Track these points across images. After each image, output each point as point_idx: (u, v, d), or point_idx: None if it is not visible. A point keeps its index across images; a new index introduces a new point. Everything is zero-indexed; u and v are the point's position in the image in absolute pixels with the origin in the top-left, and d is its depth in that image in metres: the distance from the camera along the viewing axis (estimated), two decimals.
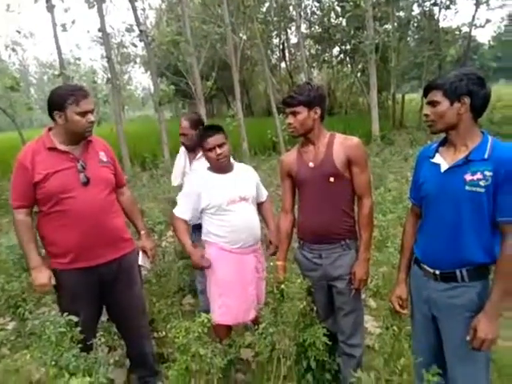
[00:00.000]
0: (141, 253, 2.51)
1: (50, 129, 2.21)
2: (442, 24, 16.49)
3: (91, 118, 2.16)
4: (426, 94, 1.75)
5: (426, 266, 1.81)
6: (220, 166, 2.51)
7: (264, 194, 2.78)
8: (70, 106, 2.08)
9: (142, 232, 2.55)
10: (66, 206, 2.11)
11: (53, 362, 1.71)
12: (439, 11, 16.20)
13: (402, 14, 16.34)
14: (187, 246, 2.49)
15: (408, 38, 17.70)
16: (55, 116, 2.12)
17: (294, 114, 2.09)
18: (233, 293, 2.50)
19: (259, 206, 2.74)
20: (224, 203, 2.45)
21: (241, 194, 2.50)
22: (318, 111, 2.09)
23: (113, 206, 2.31)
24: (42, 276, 2.13)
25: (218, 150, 2.44)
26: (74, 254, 2.16)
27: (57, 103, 2.10)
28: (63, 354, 1.73)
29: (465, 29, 16.23)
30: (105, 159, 2.31)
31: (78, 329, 1.83)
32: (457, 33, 16.33)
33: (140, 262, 2.49)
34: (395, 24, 15.43)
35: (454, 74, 1.66)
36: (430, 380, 1.61)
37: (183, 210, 2.53)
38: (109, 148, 2.40)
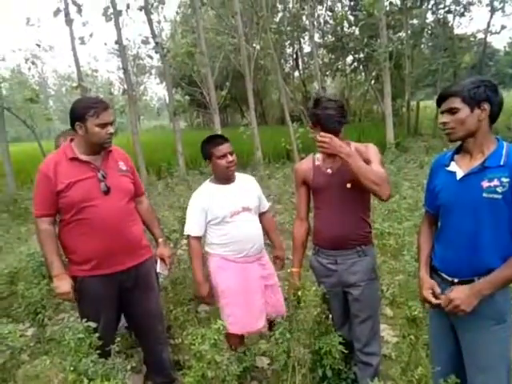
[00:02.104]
0: (159, 260, 2.55)
1: (71, 139, 2.27)
2: (456, 31, 16.41)
3: (110, 129, 2.21)
4: (439, 103, 1.75)
5: (443, 274, 1.79)
6: (228, 175, 2.54)
7: (266, 205, 2.78)
8: (91, 117, 2.13)
9: (160, 240, 2.59)
10: (87, 215, 2.16)
11: (72, 368, 1.74)
12: (453, 18, 16.13)
13: (415, 21, 16.28)
14: (198, 275, 2.53)
15: (422, 46, 17.61)
16: (76, 127, 2.18)
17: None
18: (239, 302, 2.50)
19: (261, 217, 2.73)
20: (228, 215, 2.48)
21: (243, 204, 2.52)
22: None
23: (132, 215, 2.35)
24: (64, 284, 2.17)
25: (230, 158, 2.48)
26: (95, 261, 2.20)
27: (78, 115, 2.16)
28: (82, 360, 1.75)
29: (480, 35, 16.11)
30: (124, 168, 2.36)
31: (97, 335, 1.86)
32: (472, 39, 16.21)
33: (158, 270, 2.53)
34: (409, 32, 15.37)
35: (470, 80, 1.66)
36: None
37: (195, 228, 2.54)
38: (128, 157, 2.45)
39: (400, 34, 16.14)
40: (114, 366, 1.84)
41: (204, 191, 2.57)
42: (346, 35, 16.99)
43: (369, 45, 14.21)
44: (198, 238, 2.57)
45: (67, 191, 2.13)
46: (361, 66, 20.12)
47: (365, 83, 20.20)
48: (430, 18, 16.43)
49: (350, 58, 20.27)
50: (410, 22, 15.90)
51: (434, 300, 1.76)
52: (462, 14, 16.07)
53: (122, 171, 2.34)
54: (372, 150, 2.12)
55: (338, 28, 17.53)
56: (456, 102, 1.66)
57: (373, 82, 18.81)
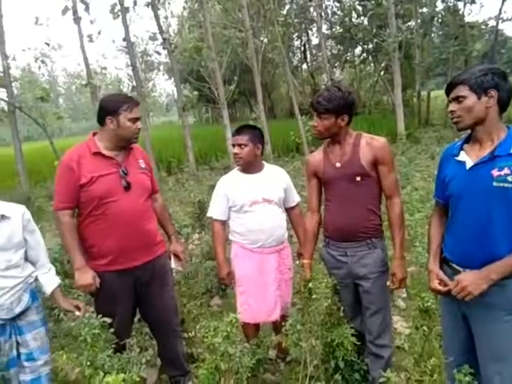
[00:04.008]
0: (172, 256, 2.58)
1: (94, 133, 2.29)
2: (467, 19, 16.11)
3: (139, 125, 2.26)
4: (448, 92, 1.74)
5: (455, 265, 1.78)
6: (238, 164, 2.59)
7: (294, 200, 2.71)
8: (124, 111, 2.17)
9: (173, 237, 2.62)
10: (106, 210, 2.18)
11: (88, 363, 1.77)
12: (464, 6, 15.84)
13: (425, 10, 16.04)
14: (220, 258, 2.60)
15: (432, 35, 17.35)
16: (107, 121, 2.19)
17: (321, 118, 2.10)
18: (253, 291, 2.54)
19: (288, 212, 2.73)
20: (247, 203, 2.50)
21: (264, 195, 2.52)
22: (346, 118, 2.10)
23: (149, 211, 2.39)
24: (87, 277, 2.19)
25: (234, 150, 2.54)
26: (112, 256, 2.22)
27: (111, 108, 2.19)
28: (98, 355, 1.78)
29: (491, 23, 15.82)
30: (143, 166, 2.39)
31: (112, 330, 1.89)
32: (483, 27, 15.92)
33: (172, 266, 2.56)
34: (419, 21, 15.16)
35: (478, 68, 1.66)
36: (461, 380, 1.58)
37: (216, 212, 2.61)
38: (146, 156, 2.49)
39: (409, 23, 15.95)
40: (130, 360, 1.87)
41: (229, 177, 2.64)
42: (354, 26, 16.77)
43: (378, 35, 14.07)
44: (221, 221, 2.62)
45: (90, 185, 2.15)
46: (370, 57, 19.90)
47: (374, 74, 20.02)
48: (439, 5, 16.17)
49: (358, 49, 20.10)
50: (420, 10, 15.67)
51: (442, 288, 1.77)
52: (473, 1, 15.77)
53: (142, 169, 2.37)
54: (385, 154, 2.09)
55: (346, 19, 17.33)
56: (463, 90, 1.65)
57: (382, 72, 18.62)
